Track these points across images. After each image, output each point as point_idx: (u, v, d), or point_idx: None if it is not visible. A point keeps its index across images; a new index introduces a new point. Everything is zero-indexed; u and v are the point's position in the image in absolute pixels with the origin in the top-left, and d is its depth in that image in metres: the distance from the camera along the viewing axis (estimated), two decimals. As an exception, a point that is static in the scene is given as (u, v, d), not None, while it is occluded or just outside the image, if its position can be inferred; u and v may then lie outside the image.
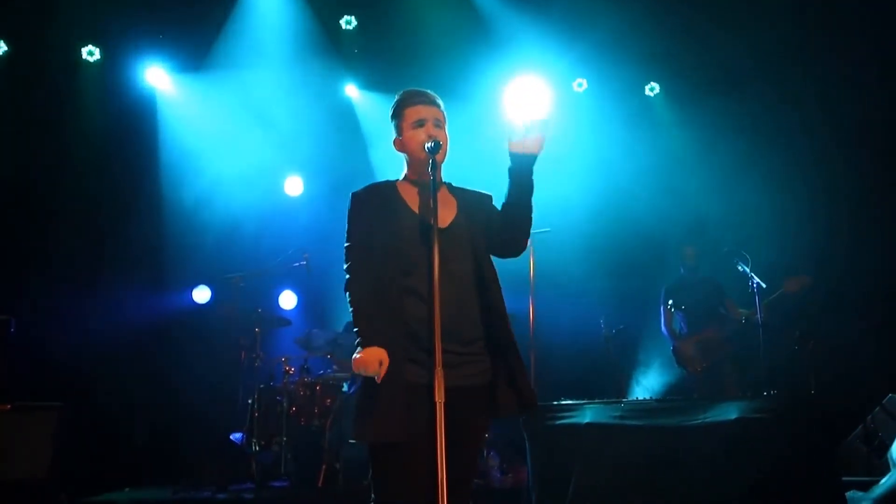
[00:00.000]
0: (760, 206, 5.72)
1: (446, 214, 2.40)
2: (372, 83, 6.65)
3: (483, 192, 2.60)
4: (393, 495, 2.22)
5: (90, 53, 5.95)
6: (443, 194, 2.45)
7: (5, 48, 5.82)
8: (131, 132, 6.09)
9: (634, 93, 6.61)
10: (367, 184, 2.53)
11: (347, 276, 2.38)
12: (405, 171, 2.54)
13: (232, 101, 6.28)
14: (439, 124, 2.48)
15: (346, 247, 2.43)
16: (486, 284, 2.38)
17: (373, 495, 2.28)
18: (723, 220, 5.79)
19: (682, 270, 5.58)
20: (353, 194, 2.48)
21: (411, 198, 2.45)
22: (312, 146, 6.53)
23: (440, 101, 2.52)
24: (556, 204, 6.04)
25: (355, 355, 2.21)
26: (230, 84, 6.26)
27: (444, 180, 2.53)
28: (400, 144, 2.52)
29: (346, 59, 6.52)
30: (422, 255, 2.28)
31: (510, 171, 2.42)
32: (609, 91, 6.52)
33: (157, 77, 6.13)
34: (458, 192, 2.52)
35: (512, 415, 2.37)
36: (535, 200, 6.35)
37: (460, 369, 2.22)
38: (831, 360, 4.54)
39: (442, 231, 2.29)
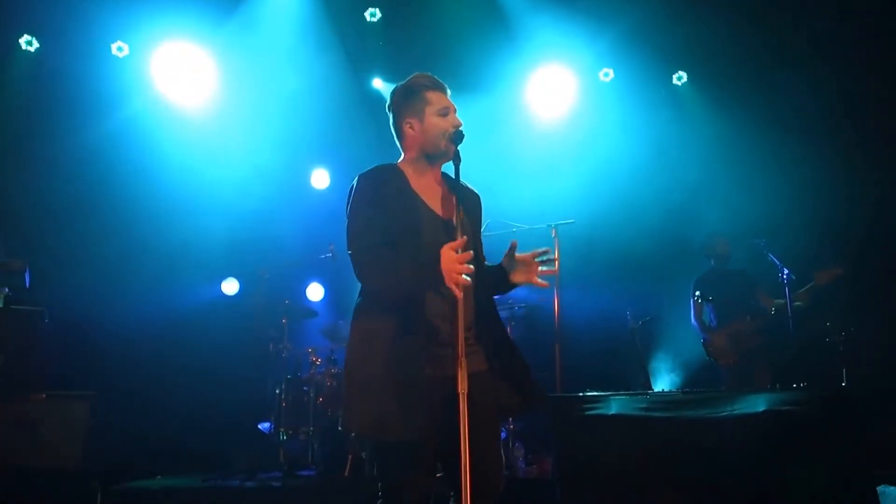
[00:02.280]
0: (791, 197, 5.59)
1: (454, 210, 2.31)
2: (397, 75, 6.60)
3: (472, 188, 2.52)
4: (409, 491, 2.19)
5: (119, 49, 6.05)
6: (446, 188, 2.38)
7: (37, 45, 5.95)
8: (160, 126, 6.18)
9: (661, 82, 6.50)
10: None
11: (363, 262, 2.22)
12: (409, 156, 2.42)
13: (257, 94, 6.32)
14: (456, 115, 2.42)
15: (356, 232, 2.26)
16: (479, 280, 2.34)
17: (381, 492, 2.24)
18: (752, 211, 5.68)
19: (711, 262, 5.49)
20: (362, 177, 2.34)
21: (422, 189, 2.36)
22: (338, 139, 6.56)
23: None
24: (582, 194, 6.01)
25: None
26: (255, 77, 6.30)
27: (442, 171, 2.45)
28: (418, 129, 2.38)
29: (371, 51, 6.53)
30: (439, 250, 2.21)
31: (506, 284, 2.44)
32: (636, 81, 6.42)
33: (183, 71, 6.19)
34: (454, 185, 2.37)
35: (520, 413, 2.33)
36: (561, 191, 6.26)
37: (469, 358, 2.16)
38: (863, 351, 4.43)
39: (455, 227, 2.25)
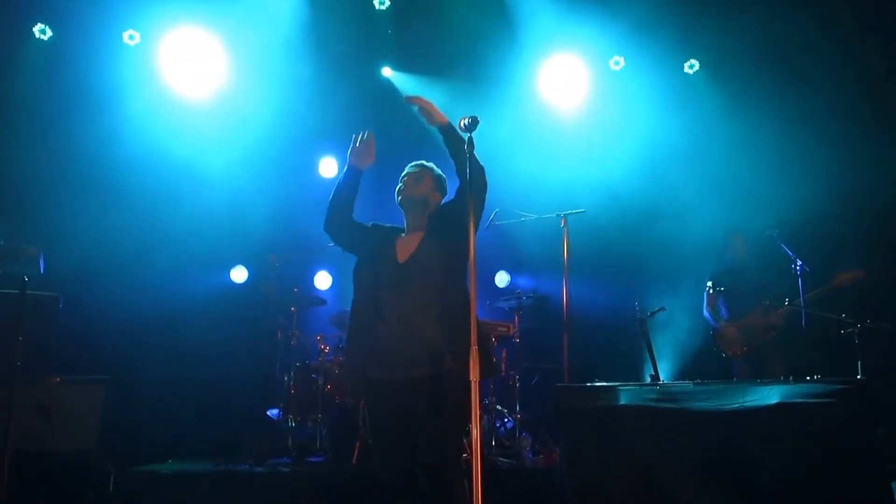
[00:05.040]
0: (808, 191, 5.51)
1: (407, 249, 2.96)
2: (406, 64, 6.63)
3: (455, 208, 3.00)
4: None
5: (130, 38, 6.06)
6: (414, 231, 3.03)
7: (50, 34, 5.97)
8: (170, 114, 6.19)
9: (673, 70, 6.45)
10: (395, 167, 3.19)
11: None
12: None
13: (266, 81, 6.31)
14: (419, 179, 3.08)
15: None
16: (438, 310, 2.81)
17: None
18: (767, 204, 5.63)
19: (728, 258, 5.44)
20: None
21: (402, 242, 3.03)
22: (347, 127, 6.53)
23: (431, 165, 3.15)
24: (591, 185, 5.98)
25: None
26: (264, 65, 6.29)
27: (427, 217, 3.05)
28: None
29: (379, 39, 6.50)
30: (383, 287, 2.90)
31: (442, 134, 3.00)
32: (647, 69, 6.37)
33: (193, 58, 6.19)
34: (433, 217, 3.05)
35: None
36: (570, 181, 6.27)
37: (408, 370, 2.79)
38: (880, 343, 4.37)
39: (402, 266, 2.91)
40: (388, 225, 3.22)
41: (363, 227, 3.14)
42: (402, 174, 3.18)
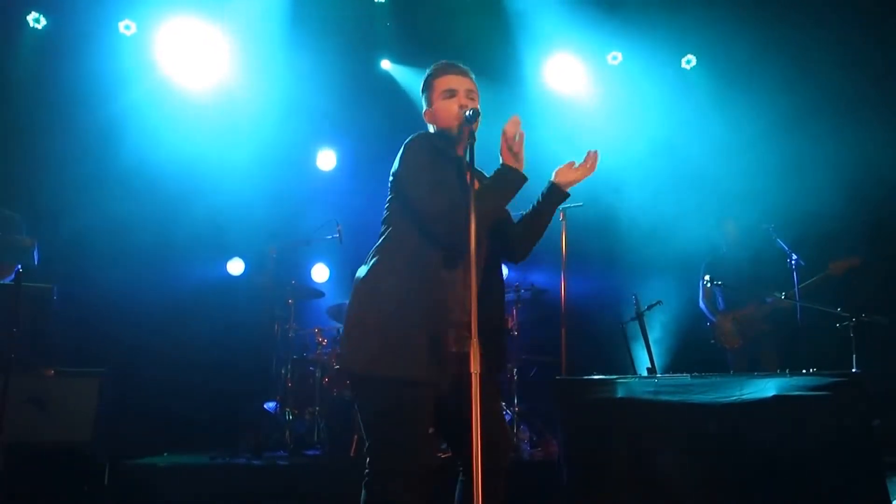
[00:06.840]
0: (806, 185, 5.51)
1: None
2: (405, 57, 6.61)
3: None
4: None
5: (126, 27, 6.01)
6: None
7: (44, 22, 5.91)
8: (167, 105, 6.15)
9: (670, 66, 6.44)
10: (391, 161, 2.47)
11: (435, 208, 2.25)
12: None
13: (264, 73, 6.28)
14: (471, 95, 2.44)
15: (425, 184, 2.28)
16: (495, 268, 2.46)
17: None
18: (764, 198, 5.63)
19: (723, 246, 5.46)
20: (418, 137, 2.38)
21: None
22: (345, 120, 6.53)
23: (472, 75, 2.50)
24: (590, 178, 5.95)
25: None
26: (262, 57, 6.26)
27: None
28: (430, 116, 2.49)
29: (378, 32, 6.48)
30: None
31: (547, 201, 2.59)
32: (644, 64, 6.37)
33: (190, 50, 6.15)
34: (477, 175, 2.45)
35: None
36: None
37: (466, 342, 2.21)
38: (877, 337, 4.39)
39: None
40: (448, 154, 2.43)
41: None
42: (456, 81, 2.44)
